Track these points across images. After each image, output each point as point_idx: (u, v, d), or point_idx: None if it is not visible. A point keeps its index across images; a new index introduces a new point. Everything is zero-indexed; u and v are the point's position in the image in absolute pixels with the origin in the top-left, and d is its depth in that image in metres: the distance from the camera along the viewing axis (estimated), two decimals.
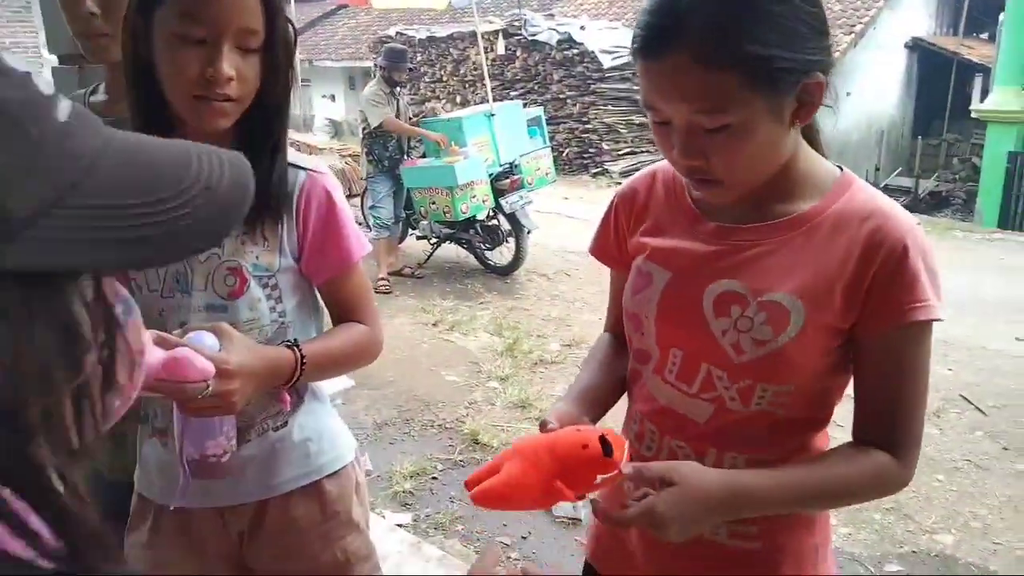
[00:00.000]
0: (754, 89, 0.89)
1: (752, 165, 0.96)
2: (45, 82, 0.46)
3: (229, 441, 1.12)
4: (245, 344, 1.09)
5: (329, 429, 1.35)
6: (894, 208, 0.99)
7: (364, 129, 6.25)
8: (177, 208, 0.47)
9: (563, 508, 3.17)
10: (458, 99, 13.30)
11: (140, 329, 0.53)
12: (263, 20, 1.11)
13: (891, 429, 1.00)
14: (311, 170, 1.25)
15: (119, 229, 0.45)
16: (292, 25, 1.18)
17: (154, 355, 0.94)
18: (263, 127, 1.18)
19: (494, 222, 6.45)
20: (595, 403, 1.14)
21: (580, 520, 3.12)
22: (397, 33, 14.13)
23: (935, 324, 0.97)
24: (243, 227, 1.19)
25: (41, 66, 13.38)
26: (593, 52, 11.73)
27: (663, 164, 1.13)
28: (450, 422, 4.03)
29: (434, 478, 3.50)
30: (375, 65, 8.01)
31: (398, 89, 6.30)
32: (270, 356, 1.14)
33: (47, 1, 2.27)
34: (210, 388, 1.00)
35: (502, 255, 6.52)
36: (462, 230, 6.50)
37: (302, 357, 1.17)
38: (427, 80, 13.96)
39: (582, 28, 12.26)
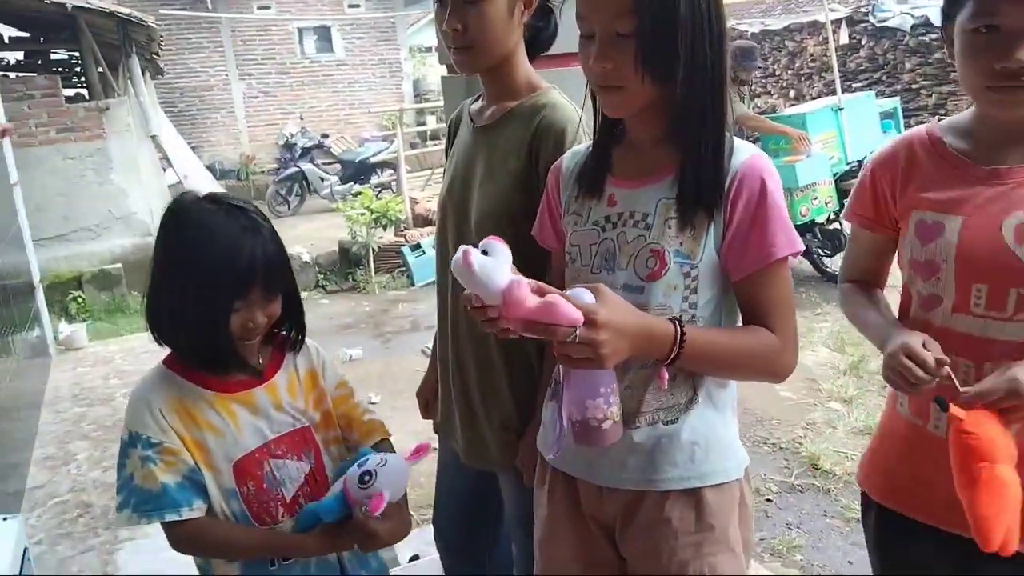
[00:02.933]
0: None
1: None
2: None
3: (608, 407, 1.12)
4: (621, 304, 1.09)
5: (720, 440, 1.27)
6: None
7: None
8: None
9: None
10: (791, 94, 12.52)
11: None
12: None
13: None
14: (749, 156, 1.20)
15: None
16: None
17: (531, 300, 1.03)
18: (687, 113, 1.18)
19: (835, 226, 5.90)
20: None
21: None
22: (730, 28, 13.67)
23: None
24: (673, 213, 1.19)
25: (401, 79, 15.22)
26: None
27: (914, 131, 1.38)
28: (785, 442, 3.75)
29: (768, 500, 3.26)
30: None
31: (743, 89, 6.04)
32: (646, 321, 1.12)
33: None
34: (578, 334, 1.01)
35: None
36: (799, 234, 6.04)
37: (682, 335, 1.12)
38: (757, 75, 13.33)
39: None
